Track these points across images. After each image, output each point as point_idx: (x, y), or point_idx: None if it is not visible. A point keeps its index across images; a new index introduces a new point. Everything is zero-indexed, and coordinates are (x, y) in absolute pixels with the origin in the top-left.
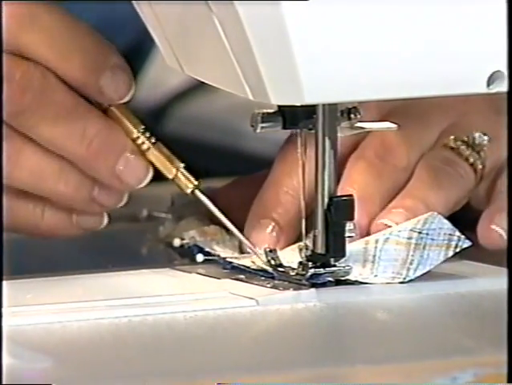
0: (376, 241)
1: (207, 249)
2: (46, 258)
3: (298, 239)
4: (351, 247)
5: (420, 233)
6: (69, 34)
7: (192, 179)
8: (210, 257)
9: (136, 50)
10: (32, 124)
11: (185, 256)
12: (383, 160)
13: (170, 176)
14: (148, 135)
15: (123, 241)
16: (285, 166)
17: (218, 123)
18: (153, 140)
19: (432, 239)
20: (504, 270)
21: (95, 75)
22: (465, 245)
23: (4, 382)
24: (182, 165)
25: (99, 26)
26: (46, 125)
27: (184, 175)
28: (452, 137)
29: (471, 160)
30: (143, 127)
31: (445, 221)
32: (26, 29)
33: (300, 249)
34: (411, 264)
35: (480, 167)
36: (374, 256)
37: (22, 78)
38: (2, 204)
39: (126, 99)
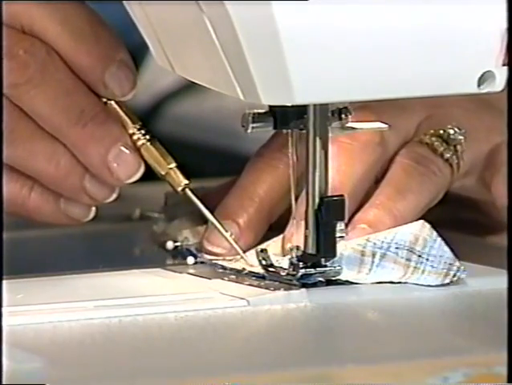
0: (373, 255)
1: (199, 257)
2: (37, 258)
3: (258, 243)
4: (345, 252)
5: (420, 256)
6: (82, 20)
7: (183, 177)
8: (201, 259)
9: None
10: (31, 97)
11: (178, 257)
12: (354, 139)
13: (163, 173)
14: (144, 131)
15: (115, 241)
16: (252, 174)
17: (210, 123)
18: (148, 137)
19: (432, 266)
20: (494, 270)
21: (102, 66)
22: (463, 276)
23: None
24: (175, 164)
25: None
26: (44, 101)
27: (176, 173)
28: (428, 132)
29: (446, 155)
30: (140, 123)
31: (446, 249)
32: (41, 8)
33: (291, 250)
34: (405, 283)
35: (456, 161)
36: (370, 269)
37: (27, 53)
38: (2, 202)
39: (128, 97)
